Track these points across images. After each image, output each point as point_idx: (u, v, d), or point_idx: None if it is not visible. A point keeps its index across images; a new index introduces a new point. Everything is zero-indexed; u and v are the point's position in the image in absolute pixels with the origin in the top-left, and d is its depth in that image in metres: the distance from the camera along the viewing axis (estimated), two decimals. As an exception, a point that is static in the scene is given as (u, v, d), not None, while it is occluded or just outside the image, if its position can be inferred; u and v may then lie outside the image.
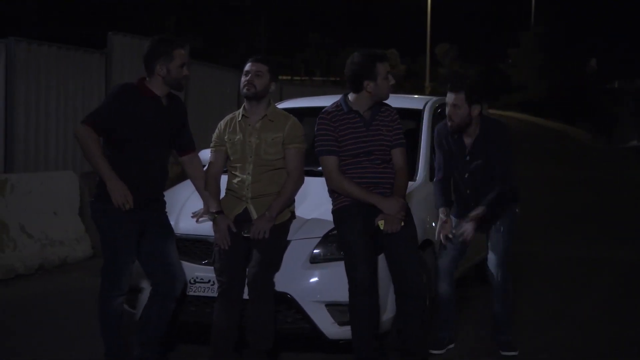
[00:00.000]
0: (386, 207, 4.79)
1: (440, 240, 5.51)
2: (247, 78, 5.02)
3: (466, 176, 5.42)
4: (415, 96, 7.59)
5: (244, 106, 5.13)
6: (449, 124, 5.35)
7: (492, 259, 5.50)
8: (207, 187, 5.07)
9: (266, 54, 5.28)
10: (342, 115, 4.91)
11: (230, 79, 14.81)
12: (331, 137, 4.87)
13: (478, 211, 5.32)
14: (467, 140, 5.39)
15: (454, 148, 5.42)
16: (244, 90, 5.03)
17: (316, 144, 4.92)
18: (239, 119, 5.10)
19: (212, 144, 5.17)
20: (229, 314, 4.93)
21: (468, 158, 5.37)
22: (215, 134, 5.17)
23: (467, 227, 5.33)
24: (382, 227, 4.78)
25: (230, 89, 14.80)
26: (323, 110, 4.99)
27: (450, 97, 5.33)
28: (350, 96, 4.98)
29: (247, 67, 5.07)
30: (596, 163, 25.92)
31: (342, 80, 45.90)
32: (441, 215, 5.50)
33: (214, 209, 5.00)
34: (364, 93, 4.92)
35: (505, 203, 5.43)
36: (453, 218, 5.54)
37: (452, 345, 5.65)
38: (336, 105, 4.97)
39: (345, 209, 4.87)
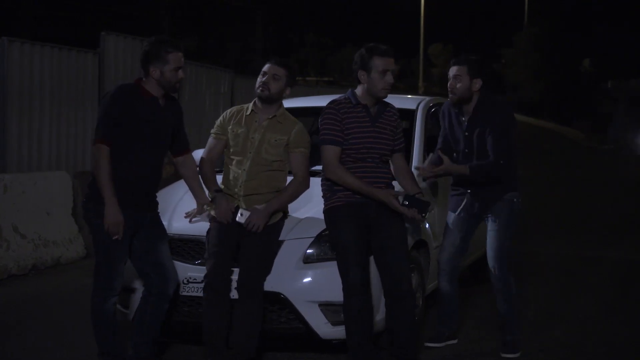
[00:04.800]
0: (383, 195, 4.78)
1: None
2: (263, 79, 4.99)
3: (462, 156, 5.39)
4: (409, 96, 7.60)
5: (255, 102, 5.11)
6: (450, 96, 5.37)
7: (489, 253, 5.44)
8: (202, 171, 5.07)
9: (285, 58, 5.21)
10: (350, 108, 4.89)
11: (226, 79, 14.80)
12: (337, 128, 4.84)
13: (456, 166, 5.30)
14: (465, 117, 5.39)
15: (454, 123, 5.43)
16: (258, 91, 5.01)
17: (320, 132, 4.89)
18: (247, 113, 5.08)
19: (212, 130, 5.15)
20: (217, 308, 4.92)
21: (467, 134, 5.37)
22: (218, 121, 5.15)
23: (424, 166, 5.38)
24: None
25: (225, 89, 14.78)
26: (331, 100, 4.97)
27: (452, 70, 5.35)
28: (358, 90, 4.97)
29: (265, 68, 5.03)
30: (590, 163, 25.99)
31: (336, 81, 45.94)
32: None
33: (214, 189, 4.99)
34: (362, 85, 4.91)
35: (500, 192, 5.37)
36: (450, 213, 5.54)
37: (454, 341, 5.64)
38: (345, 97, 4.96)
39: (337, 209, 4.86)
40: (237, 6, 34.06)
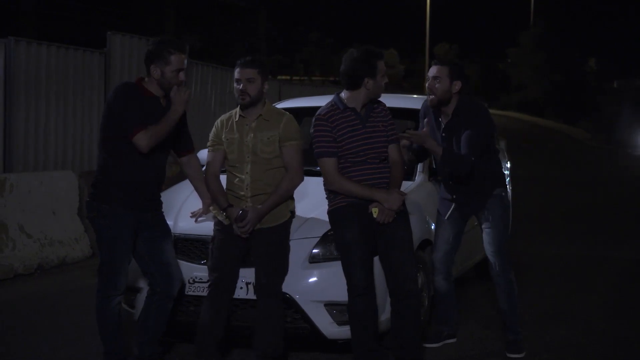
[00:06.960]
0: (389, 202, 4.77)
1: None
2: (240, 87, 4.96)
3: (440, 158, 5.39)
4: (414, 96, 7.60)
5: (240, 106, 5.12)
6: (429, 97, 5.34)
7: (488, 249, 5.44)
8: (209, 187, 5.05)
9: (257, 55, 5.16)
10: (339, 114, 4.87)
11: (230, 79, 14.81)
12: (329, 139, 4.83)
13: (432, 141, 5.17)
14: (444, 119, 5.37)
15: (433, 124, 5.40)
16: (239, 100, 4.98)
17: (314, 146, 4.88)
18: (236, 119, 5.08)
19: (209, 143, 5.13)
20: (216, 310, 4.93)
21: (444, 135, 5.36)
22: (212, 132, 5.14)
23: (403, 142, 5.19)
24: (375, 215, 4.77)
25: (231, 89, 14.79)
26: (318, 112, 4.93)
27: (432, 70, 5.32)
28: (344, 94, 4.94)
29: (237, 74, 4.99)
30: (595, 162, 25.96)
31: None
32: None
33: (224, 204, 4.99)
34: (361, 90, 4.87)
35: (488, 189, 5.36)
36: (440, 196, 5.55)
37: (452, 340, 5.64)
38: (331, 104, 4.92)
39: (341, 209, 4.86)
40: (241, 6, 34.11)
